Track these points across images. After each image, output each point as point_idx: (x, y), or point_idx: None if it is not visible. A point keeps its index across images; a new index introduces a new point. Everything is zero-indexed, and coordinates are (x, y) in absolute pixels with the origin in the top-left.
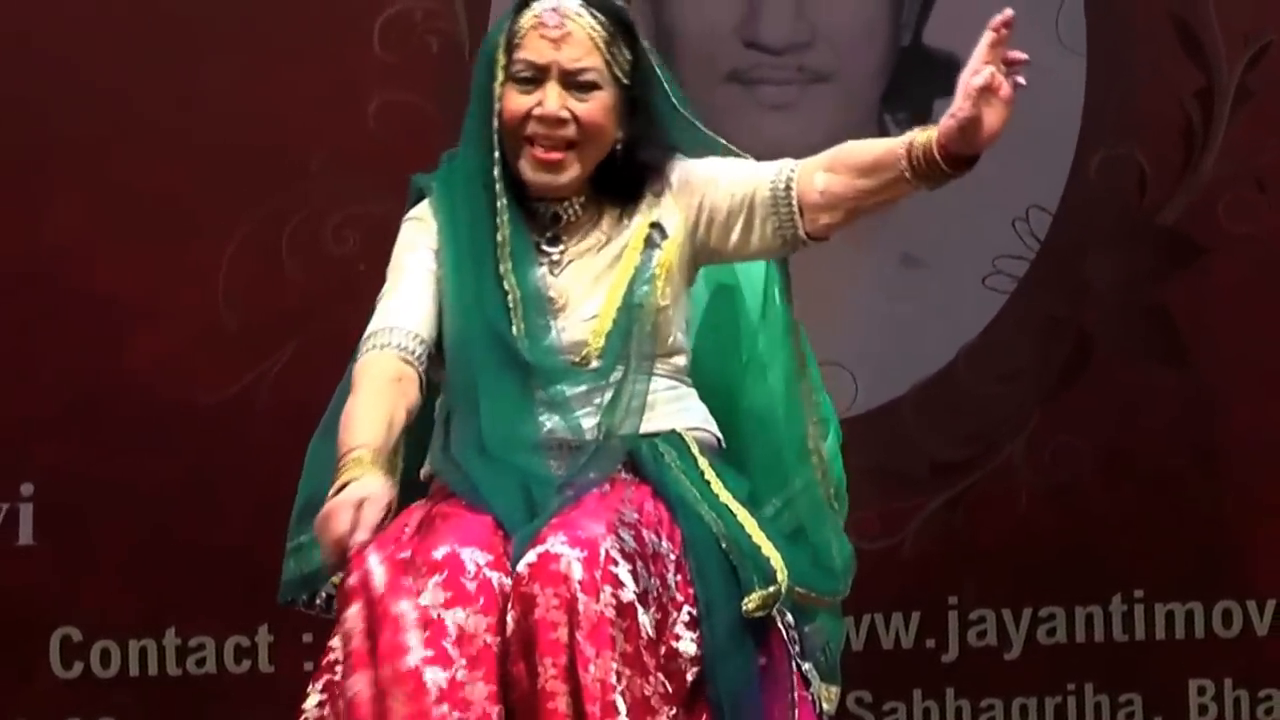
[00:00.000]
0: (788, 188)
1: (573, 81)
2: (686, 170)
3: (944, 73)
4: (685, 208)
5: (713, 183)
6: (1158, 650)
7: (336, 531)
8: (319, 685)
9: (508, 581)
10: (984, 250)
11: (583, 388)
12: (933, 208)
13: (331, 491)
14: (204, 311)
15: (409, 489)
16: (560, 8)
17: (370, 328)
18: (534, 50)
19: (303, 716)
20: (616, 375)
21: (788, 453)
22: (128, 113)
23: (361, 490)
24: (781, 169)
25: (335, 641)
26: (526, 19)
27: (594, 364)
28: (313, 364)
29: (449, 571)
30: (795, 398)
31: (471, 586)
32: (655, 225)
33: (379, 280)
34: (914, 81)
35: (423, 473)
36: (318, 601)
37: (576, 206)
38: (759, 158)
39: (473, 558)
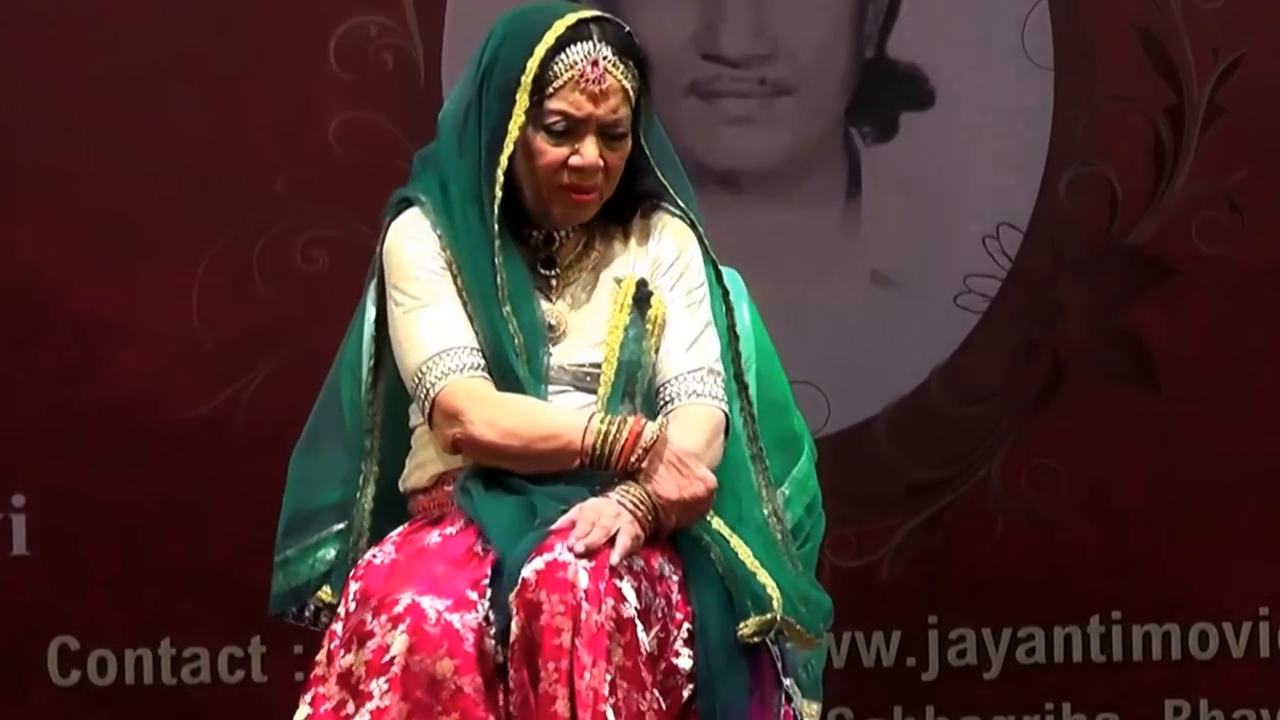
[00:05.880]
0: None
1: (608, 132)
2: (664, 267)
3: (908, 85)
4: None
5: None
6: (1134, 671)
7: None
8: (308, 698)
9: (470, 618)
10: (955, 268)
11: None
12: (902, 225)
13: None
14: (180, 331)
15: (389, 500)
16: (599, 59)
17: (433, 346)
18: (572, 103)
19: None
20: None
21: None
22: (97, 139)
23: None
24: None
25: (321, 656)
26: (563, 68)
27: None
28: (289, 380)
29: (411, 620)
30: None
31: (435, 632)
32: (643, 282)
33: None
34: (878, 94)
35: (403, 486)
36: (306, 614)
37: (572, 230)
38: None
39: (432, 605)
